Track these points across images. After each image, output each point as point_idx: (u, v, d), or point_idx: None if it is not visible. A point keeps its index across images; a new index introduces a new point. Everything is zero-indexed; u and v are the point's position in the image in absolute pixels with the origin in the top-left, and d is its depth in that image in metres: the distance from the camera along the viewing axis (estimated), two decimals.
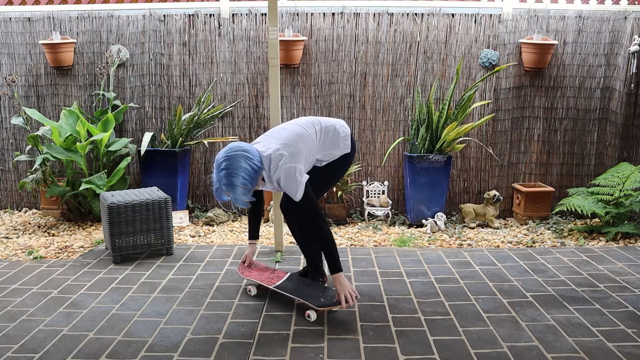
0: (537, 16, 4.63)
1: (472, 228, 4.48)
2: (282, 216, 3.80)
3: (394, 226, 4.54)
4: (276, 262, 3.58)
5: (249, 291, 3.08)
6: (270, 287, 2.97)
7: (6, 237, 4.29)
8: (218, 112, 4.74)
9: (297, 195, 2.71)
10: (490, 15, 4.63)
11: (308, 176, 2.79)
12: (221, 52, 4.77)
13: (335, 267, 2.70)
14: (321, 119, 3.00)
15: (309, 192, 2.74)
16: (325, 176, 3.03)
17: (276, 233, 3.83)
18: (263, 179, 2.79)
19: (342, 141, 2.97)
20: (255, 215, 3.16)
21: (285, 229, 4.30)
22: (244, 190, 2.63)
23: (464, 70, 4.70)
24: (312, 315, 2.73)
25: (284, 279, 3.05)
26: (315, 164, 2.97)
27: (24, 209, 5.12)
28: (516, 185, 4.76)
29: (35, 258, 3.78)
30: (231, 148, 2.68)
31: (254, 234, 3.16)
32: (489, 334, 2.59)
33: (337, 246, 3.98)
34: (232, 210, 4.93)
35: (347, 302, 2.67)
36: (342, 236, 4.26)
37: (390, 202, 4.66)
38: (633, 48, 4.40)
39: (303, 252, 3.21)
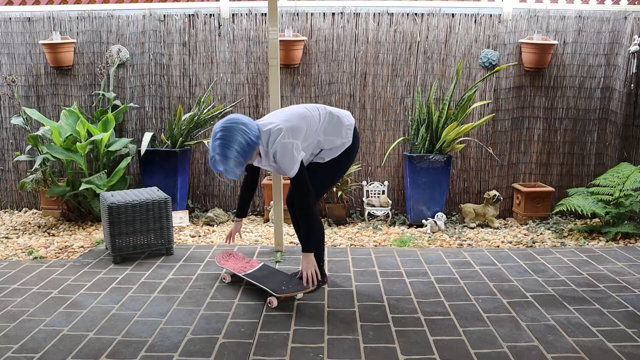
0: (537, 16, 4.63)
1: (472, 228, 4.48)
2: (283, 216, 3.82)
3: (394, 226, 4.54)
4: (276, 262, 3.58)
5: (224, 279, 3.25)
6: (241, 274, 3.13)
7: (6, 237, 4.29)
8: (218, 112, 4.74)
9: (292, 171, 2.75)
10: (490, 15, 4.63)
11: (304, 154, 2.83)
12: (221, 52, 4.77)
13: (308, 248, 2.89)
14: (327, 106, 3.04)
15: (303, 171, 2.79)
16: (327, 173, 3.04)
17: (276, 233, 3.83)
18: (260, 155, 2.81)
19: (345, 130, 2.98)
20: (247, 193, 3.21)
21: (286, 229, 4.31)
22: (236, 163, 2.65)
23: (464, 70, 4.70)
24: (274, 301, 2.88)
25: (256, 268, 3.21)
26: (317, 160, 2.98)
27: (24, 209, 5.12)
28: (516, 185, 4.76)
29: (35, 258, 3.78)
30: (230, 119, 2.68)
31: (241, 212, 3.27)
32: (489, 334, 2.59)
33: (338, 246, 3.99)
34: (232, 210, 4.93)
35: (307, 282, 2.86)
36: (342, 236, 4.26)
37: (390, 202, 4.66)
38: (633, 48, 4.40)
39: None
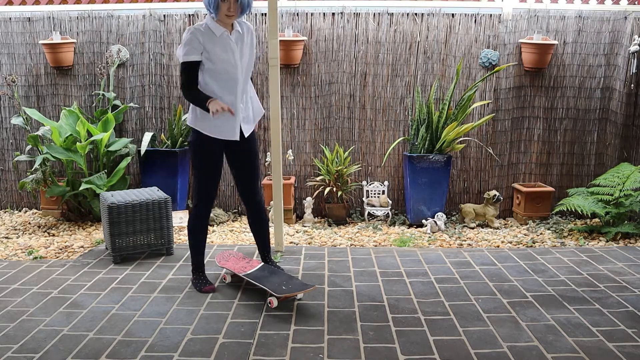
0: (537, 16, 4.63)
1: (472, 228, 4.48)
2: (283, 216, 3.82)
3: (394, 226, 4.54)
4: (276, 262, 3.57)
5: (224, 279, 3.26)
6: (241, 274, 3.12)
7: (6, 237, 4.29)
8: None
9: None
10: (490, 15, 4.63)
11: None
12: None
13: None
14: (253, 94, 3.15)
15: None
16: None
17: (276, 233, 3.83)
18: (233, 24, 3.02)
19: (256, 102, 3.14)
20: None
21: (286, 229, 4.31)
22: None
23: (464, 70, 4.70)
24: (274, 301, 2.88)
25: (256, 268, 3.20)
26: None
27: (24, 209, 5.12)
28: (516, 185, 4.76)
29: (35, 258, 3.78)
30: None
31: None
32: (489, 334, 2.59)
33: (338, 246, 4.00)
34: (232, 210, 4.93)
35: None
36: (342, 236, 4.26)
37: (390, 202, 4.66)
38: (633, 48, 4.40)
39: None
